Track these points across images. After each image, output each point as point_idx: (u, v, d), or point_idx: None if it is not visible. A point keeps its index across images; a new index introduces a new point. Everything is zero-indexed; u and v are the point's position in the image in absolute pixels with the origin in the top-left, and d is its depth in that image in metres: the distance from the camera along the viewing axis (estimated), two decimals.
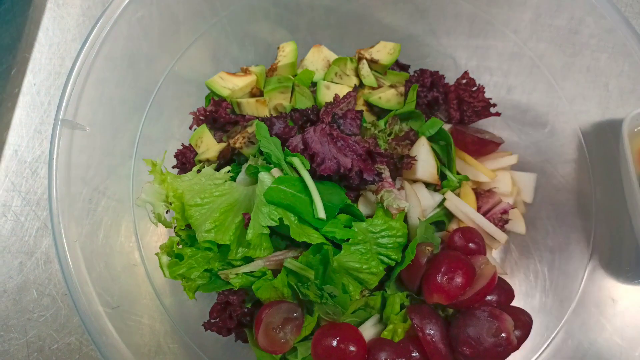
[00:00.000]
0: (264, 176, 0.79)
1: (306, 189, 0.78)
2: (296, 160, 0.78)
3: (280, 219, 0.73)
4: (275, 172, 0.79)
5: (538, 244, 0.95)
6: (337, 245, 0.78)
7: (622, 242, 0.92)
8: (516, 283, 0.90)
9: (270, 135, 0.83)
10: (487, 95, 0.97)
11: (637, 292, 0.88)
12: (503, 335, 0.74)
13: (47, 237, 0.97)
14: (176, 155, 0.90)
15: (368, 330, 0.83)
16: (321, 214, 0.76)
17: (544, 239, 0.96)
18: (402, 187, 0.86)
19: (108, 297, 0.77)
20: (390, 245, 0.80)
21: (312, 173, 0.79)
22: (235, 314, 0.80)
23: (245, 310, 0.83)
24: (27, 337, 0.95)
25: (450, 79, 1.01)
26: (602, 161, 1.05)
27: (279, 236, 0.84)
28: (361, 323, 0.84)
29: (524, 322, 0.78)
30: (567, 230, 0.95)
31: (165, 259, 0.78)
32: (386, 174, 0.82)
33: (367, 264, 0.77)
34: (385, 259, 0.80)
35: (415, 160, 0.88)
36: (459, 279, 0.79)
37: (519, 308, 0.82)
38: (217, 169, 0.86)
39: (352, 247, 0.76)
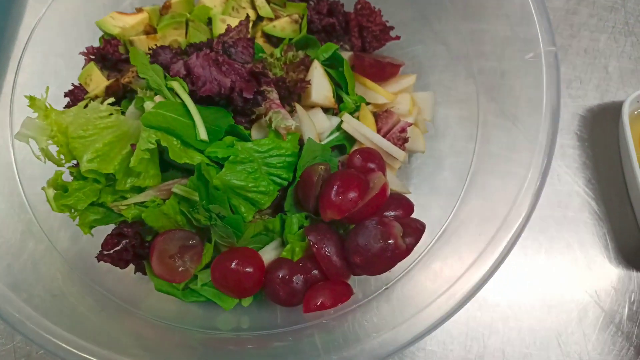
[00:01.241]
0: (147, 104, 0.78)
1: (189, 113, 0.77)
2: (175, 84, 0.78)
3: (158, 141, 0.73)
4: (158, 99, 0.79)
5: (444, 164, 0.96)
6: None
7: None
8: (418, 199, 0.90)
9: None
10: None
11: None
12: (390, 241, 0.75)
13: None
14: (67, 95, 0.89)
15: (268, 254, 0.83)
16: (203, 135, 0.76)
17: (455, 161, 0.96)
18: (294, 111, 0.86)
19: None
20: (279, 165, 0.80)
21: (195, 97, 0.79)
22: (130, 245, 0.80)
23: (146, 244, 0.83)
24: (14, 342, 0.94)
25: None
26: (602, 146, 1.06)
27: (176, 169, 0.84)
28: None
29: (415, 229, 0.79)
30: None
31: (51, 192, 0.77)
32: (274, 95, 0.82)
33: (254, 182, 0.77)
34: (277, 179, 0.80)
35: (309, 83, 0.88)
36: (350, 194, 0.80)
37: (413, 218, 0.83)
38: None
39: (238, 167, 0.76)
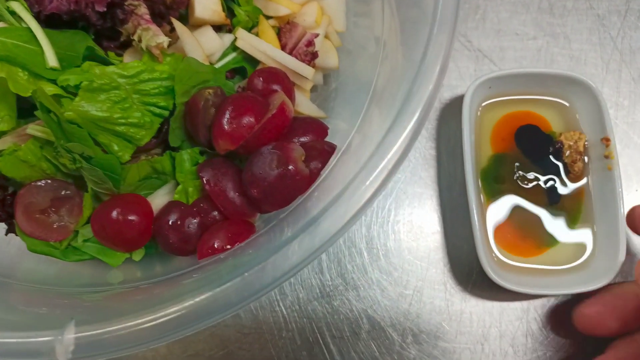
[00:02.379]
0: None
1: (36, 39, 0.65)
2: (15, 4, 0.64)
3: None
4: (2, 25, 0.66)
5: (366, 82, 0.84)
6: None
7: None
8: (339, 123, 0.79)
9: None
10: None
11: None
12: (290, 167, 0.63)
13: None
14: None
15: (160, 199, 0.72)
16: (52, 61, 0.63)
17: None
18: (172, 29, 0.73)
19: None
20: (155, 92, 0.68)
21: (43, 19, 0.66)
22: None
23: None
24: None
25: None
26: None
27: None
28: None
29: (321, 151, 0.68)
30: None
31: None
32: (142, 10, 0.69)
33: (122, 113, 0.65)
34: (155, 109, 0.68)
35: None
36: (244, 119, 0.68)
37: (321, 141, 0.72)
38: None
39: (100, 96, 0.64)
